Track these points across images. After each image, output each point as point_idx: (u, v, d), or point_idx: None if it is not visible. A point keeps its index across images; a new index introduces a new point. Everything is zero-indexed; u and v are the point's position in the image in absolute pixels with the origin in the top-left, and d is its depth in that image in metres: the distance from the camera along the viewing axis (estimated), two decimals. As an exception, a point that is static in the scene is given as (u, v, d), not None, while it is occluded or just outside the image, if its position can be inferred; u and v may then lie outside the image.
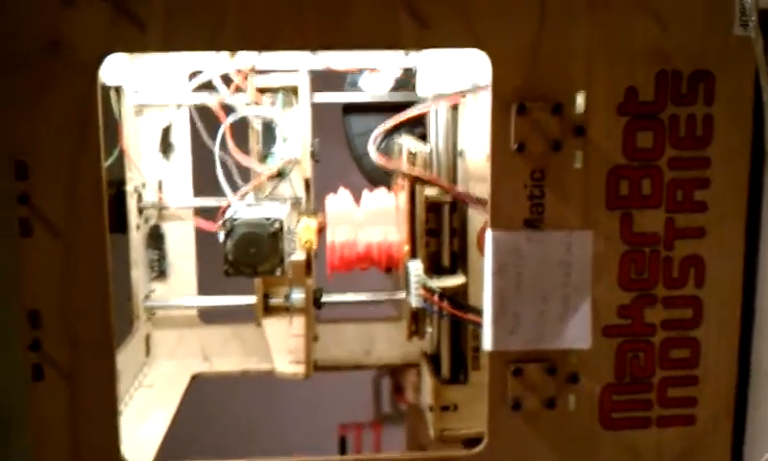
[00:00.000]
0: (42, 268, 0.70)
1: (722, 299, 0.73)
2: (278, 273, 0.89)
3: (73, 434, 0.72)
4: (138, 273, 1.05)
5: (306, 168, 0.91)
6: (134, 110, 1.03)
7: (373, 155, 0.82)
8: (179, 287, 1.09)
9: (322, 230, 0.92)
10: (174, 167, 1.07)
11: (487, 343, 0.72)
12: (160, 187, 1.06)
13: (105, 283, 0.70)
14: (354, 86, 1.06)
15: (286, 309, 1.03)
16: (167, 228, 1.08)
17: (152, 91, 1.03)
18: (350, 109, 1.06)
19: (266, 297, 1.03)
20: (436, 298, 0.84)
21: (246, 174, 0.97)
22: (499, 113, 0.70)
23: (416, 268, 0.85)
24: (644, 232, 0.72)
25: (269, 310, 1.03)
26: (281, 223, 0.87)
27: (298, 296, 0.94)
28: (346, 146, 1.06)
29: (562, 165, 0.70)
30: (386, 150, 0.89)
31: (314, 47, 0.77)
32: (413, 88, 1.01)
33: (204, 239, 1.07)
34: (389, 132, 0.86)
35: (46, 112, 0.68)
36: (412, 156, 0.86)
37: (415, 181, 0.86)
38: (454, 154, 0.88)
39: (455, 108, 0.86)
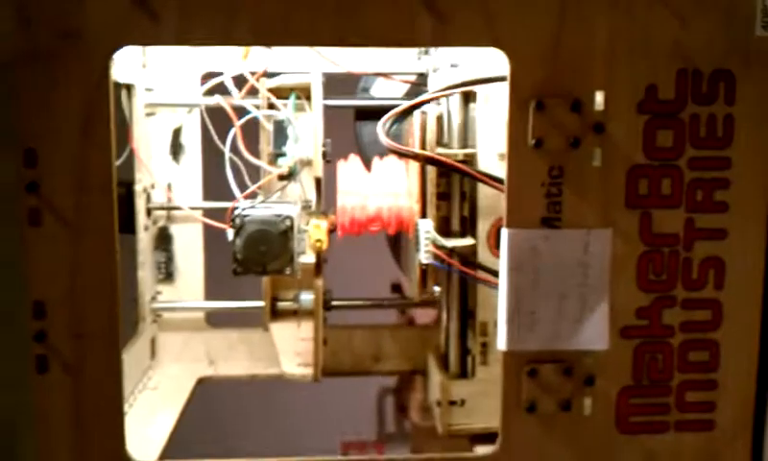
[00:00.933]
0: (49, 258, 0.67)
1: (742, 301, 0.70)
2: (288, 272, 0.86)
3: (78, 428, 0.69)
4: (145, 274, 1.02)
5: (318, 168, 0.89)
6: (145, 110, 1.01)
7: (383, 139, 0.80)
8: (186, 290, 1.06)
9: (332, 232, 0.89)
10: (184, 169, 1.05)
11: (501, 342, 0.70)
12: (170, 189, 1.04)
13: (112, 275, 0.68)
14: (366, 92, 1.04)
15: (294, 313, 1.00)
16: (175, 230, 1.06)
17: (163, 91, 1.01)
18: (362, 115, 1.04)
19: (274, 300, 1.00)
20: (446, 255, 0.82)
21: (256, 177, 0.95)
22: (517, 110, 0.67)
23: (426, 226, 0.82)
24: (663, 233, 0.69)
25: (277, 314, 1.00)
26: (292, 220, 0.85)
27: (307, 297, 0.91)
28: (356, 150, 1.04)
29: (580, 163, 0.68)
30: (396, 135, 0.87)
31: (327, 43, 0.75)
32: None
33: (212, 242, 1.04)
34: (399, 117, 0.83)
35: (58, 102, 0.66)
36: (424, 115, 0.83)
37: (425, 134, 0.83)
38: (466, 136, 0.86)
39: (466, 101, 0.84)
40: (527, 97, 0.67)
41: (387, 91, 1.01)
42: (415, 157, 0.83)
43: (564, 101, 0.67)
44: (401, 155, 0.84)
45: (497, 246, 0.85)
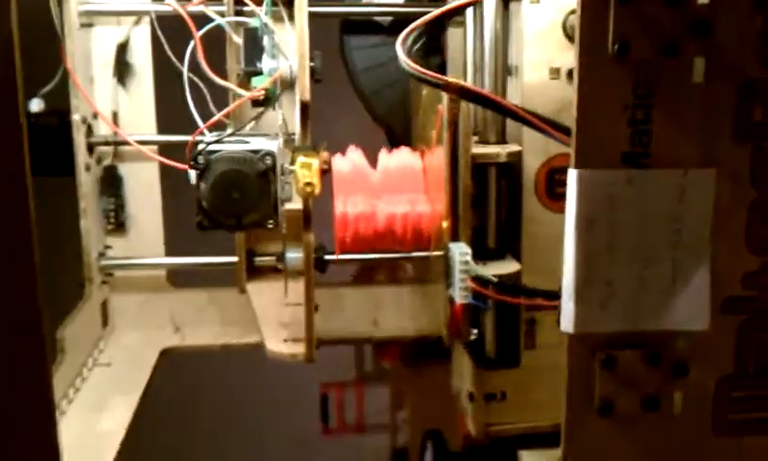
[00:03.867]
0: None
1: None
2: (270, 225, 0.65)
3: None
4: (89, 224, 0.80)
5: (304, 90, 0.67)
6: (81, 20, 0.77)
7: (403, 59, 0.58)
8: (142, 243, 0.85)
9: (325, 173, 0.68)
10: (132, 94, 0.82)
11: (567, 322, 0.50)
12: (115, 119, 0.82)
13: (29, 255, 0.46)
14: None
15: (275, 270, 0.80)
16: (126, 169, 0.84)
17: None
18: (351, 28, 0.82)
19: (251, 255, 0.80)
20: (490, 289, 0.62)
21: (224, 102, 0.73)
22: (592, 3, 0.46)
23: (462, 254, 0.61)
24: (783, 173, 0.50)
25: (255, 272, 0.80)
26: (273, 158, 0.64)
27: (294, 256, 0.70)
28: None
29: (676, 78, 0.47)
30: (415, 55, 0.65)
31: None
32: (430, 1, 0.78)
33: (172, 183, 0.83)
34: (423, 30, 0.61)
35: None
36: (455, 105, 0.62)
37: (457, 129, 0.62)
38: (503, 72, 0.64)
39: (506, 5, 0.63)
40: (607, -16, 0.46)
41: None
42: (445, 86, 0.58)
43: (659, -11, 0.46)
44: (425, 82, 0.60)
45: (549, 195, 0.65)
